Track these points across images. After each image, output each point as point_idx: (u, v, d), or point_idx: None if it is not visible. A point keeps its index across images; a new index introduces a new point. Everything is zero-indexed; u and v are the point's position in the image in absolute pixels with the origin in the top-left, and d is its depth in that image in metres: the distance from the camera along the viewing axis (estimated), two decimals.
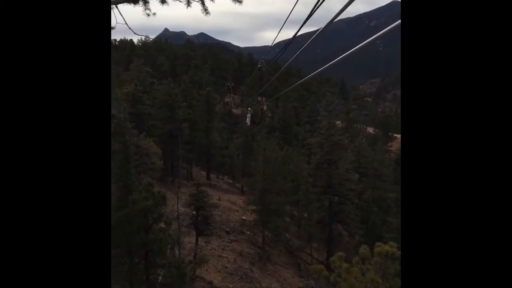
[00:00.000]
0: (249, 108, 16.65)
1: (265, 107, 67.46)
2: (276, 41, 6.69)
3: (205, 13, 5.65)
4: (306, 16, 4.10)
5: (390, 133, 68.21)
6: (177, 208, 20.99)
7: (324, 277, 7.24)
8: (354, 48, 5.15)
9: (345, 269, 6.97)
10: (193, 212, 22.70)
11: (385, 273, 8.16)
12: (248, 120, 15.65)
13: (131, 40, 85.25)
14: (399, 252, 8.52)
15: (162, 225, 14.85)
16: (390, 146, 61.15)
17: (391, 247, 8.64)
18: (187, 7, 5.47)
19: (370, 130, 73.00)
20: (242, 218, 30.39)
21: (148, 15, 5.71)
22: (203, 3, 5.49)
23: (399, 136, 68.90)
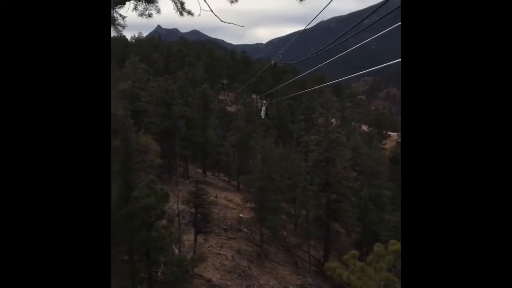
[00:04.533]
0: (263, 101, 16.77)
1: (259, 105, 67.45)
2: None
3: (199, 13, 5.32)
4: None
5: (384, 131, 68.48)
6: (178, 205, 20.92)
7: (338, 275, 7.24)
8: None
9: (359, 268, 6.95)
10: (192, 210, 22.66)
11: (399, 272, 8.15)
12: (263, 113, 15.82)
13: (124, 37, 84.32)
14: None
15: (165, 222, 14.78)
16: (384, 144, 61.37)
17: None
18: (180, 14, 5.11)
19: (364, 128, 73.23)
20: (240, 216, 30.36)
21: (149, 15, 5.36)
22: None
23: (393, 134, 69.20)
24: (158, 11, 4.74)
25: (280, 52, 7.60)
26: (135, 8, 4.78)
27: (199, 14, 4.80)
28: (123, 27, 5.07)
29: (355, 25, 4.39)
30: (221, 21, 4.92)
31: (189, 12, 4.83)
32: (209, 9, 4.69)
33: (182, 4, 4.74)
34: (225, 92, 74.30)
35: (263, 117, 16.52)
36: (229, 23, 5.24)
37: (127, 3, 4.68)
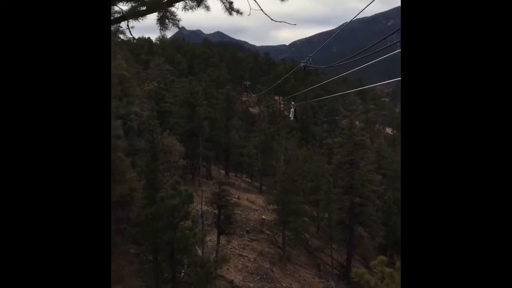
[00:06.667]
0: (292, 103, 16.81)
1: (282, 106, 67.36)
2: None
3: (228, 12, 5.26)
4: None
5: None
6: (201, 206, 21.02)
7: (365, 281, 7.13)
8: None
9: (388, 274, 6.82)
10: (215, 211, 22.75)
11: None
12: (291, 115, 15.89)
13: (149, 38, 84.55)
14: None
15: (189, 223, 14.87)
16: None
17: None
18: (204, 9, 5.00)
19: (388, 130, 72.27)
20: (262, 218, 30.34)
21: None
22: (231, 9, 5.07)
23: None
24: (208, 9, 4.73)
25: (311, 55, 7.53)
26: (184, 7, 4.79)
27: (249, 14, 4.80)
28: (177, 26, 5.08)
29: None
30: (272, 19, 4.91)
31: (238, 11, 4.81)
32: (259, 9, 4.68)
33: (231, 3, 4.73)
34: (248, 94, 74.52)
35: (291, 118, 16.55)
36: (280, 21, 5.23)
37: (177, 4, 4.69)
